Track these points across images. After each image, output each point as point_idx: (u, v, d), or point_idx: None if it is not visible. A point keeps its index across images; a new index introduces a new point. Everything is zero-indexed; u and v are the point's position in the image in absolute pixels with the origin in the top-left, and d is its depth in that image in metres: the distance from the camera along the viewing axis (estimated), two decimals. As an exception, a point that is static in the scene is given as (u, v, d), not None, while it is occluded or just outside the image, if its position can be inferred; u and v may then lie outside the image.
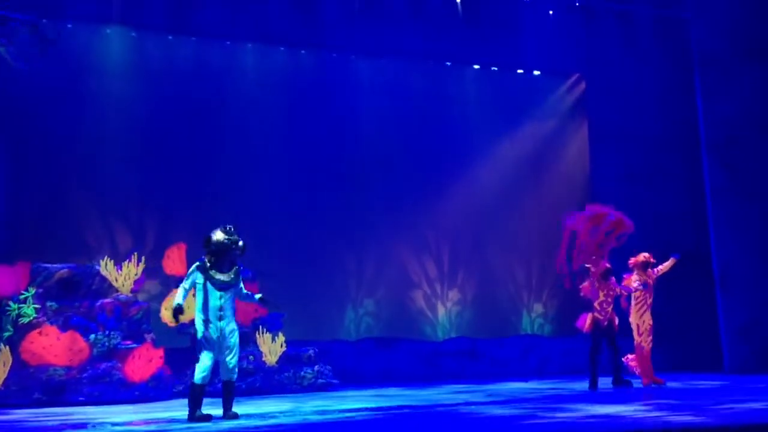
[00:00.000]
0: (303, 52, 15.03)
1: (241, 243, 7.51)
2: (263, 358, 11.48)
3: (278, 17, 13.98)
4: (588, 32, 15.50)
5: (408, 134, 15.50)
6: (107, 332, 10.57)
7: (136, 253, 11.43)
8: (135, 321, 10.96)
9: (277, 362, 11.50)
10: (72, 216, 13.24)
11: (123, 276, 11.10)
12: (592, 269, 10.29)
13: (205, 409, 7.42)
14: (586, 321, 10.43)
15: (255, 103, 14.56)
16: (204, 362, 7.26)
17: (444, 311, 15.47)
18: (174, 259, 11.84)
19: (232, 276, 7.52)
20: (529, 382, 12.34)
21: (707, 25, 14.16)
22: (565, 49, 15.65)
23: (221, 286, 7.42)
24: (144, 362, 10.52)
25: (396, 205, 15.18)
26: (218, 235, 7.45)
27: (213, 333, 7.34)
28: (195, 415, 7.26)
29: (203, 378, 7.26)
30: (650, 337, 10.70)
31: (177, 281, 11.50)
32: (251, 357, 11.23)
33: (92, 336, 10.49)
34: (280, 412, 8.07)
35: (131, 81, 13.76)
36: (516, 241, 15.76)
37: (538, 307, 16.02)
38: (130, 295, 11.11)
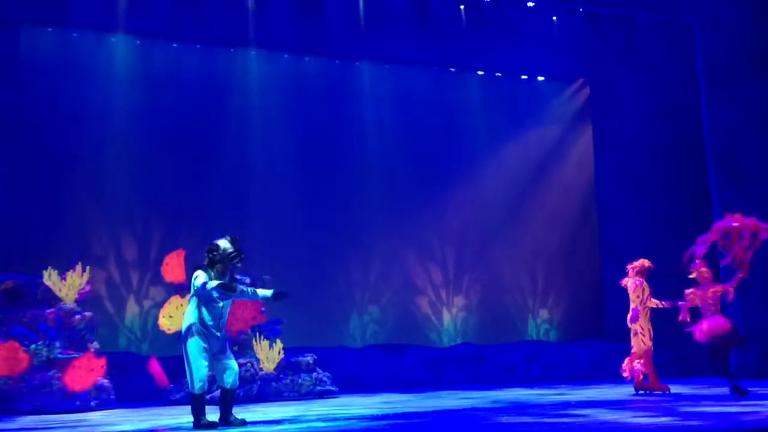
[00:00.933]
0: (307, 59, 15.07)
1: (242, 255, 7.47)
2: (261, 366, 11.38)
3: (282, 24, 14.03)
4: (592, 38, 15.51)
5: (413, 140, 15.54)
6: (48, 342, 10.39)
7: (80, 263, 11.08)
8: (77, 331, 10.73)
9: (275, 369, 11.39)
10: (78, 224, 13.27)
11: (67, 286, 10.88)
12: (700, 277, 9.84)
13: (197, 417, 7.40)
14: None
15: (260, 110, 14.60)
16: (201, 371, 7.22)
17: (449, 317, 15.47)
18: (173, 266, 11.69)
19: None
20: (534, 389, 12.30)
21: (712, 32, 14.16)
22: (570, 54, 15.67)
23: (224, 296, 7.38)
24: (85, 372, 10.31)
25: (401, 211, 15.20)
26: (225, 244, 7.42)
27: (212, 342, 7.30)
28: (201, 423, 7.25)
29: (202, 388, 7.25)
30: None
31: (177, 288, 11.49)
32: (249, 364, 11.15)
33: (32, 346, 10.31)
34: (285, 419, 8.06)
35: (136, 88, 13.81)
36: (521, 247, 15.76)
37: (544, 313, 16.02)
38: (73, 305, 10.88)
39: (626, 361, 10.84)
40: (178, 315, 10.91)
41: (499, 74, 16.19)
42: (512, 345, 15.17)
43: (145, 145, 13.79)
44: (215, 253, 7.37)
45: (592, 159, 16.34)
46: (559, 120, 16.55)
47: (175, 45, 14.19)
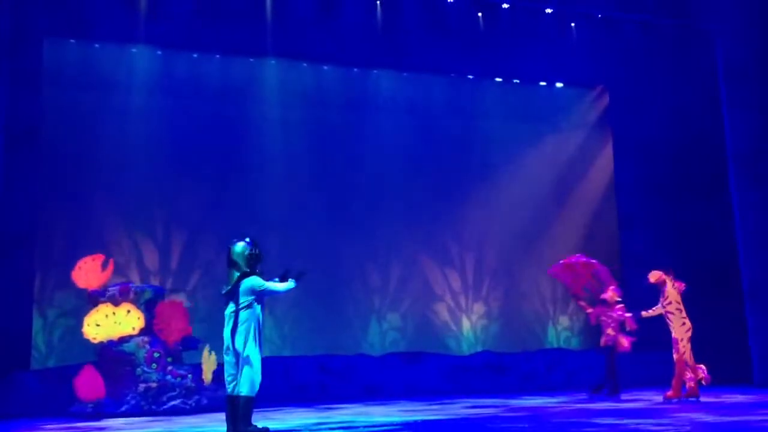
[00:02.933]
0: (326, 67, 15.12)
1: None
2: (203, 376, 11.18)
3: (301, 33, 14.10)
4: (611, 44, 15.42)
5: (432, 147, 15.54)
6: None
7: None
8: None
9: (212, 380, 11.15)
10: (99, 232, 13.40)
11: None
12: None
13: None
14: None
15: (278, 117, 14.66)
16: (260, 375, 7.22)
17: (469, 324, 15.43)
18: (87, 271, 11.19)
19: None
20: (557, 397, 12.24)
21: (733, 36, 14.05)
22: (588, 60, 15.60)
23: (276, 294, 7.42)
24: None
25: (419, 218, 15.20)
26: (256, 248, 7.46)
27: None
28: (258, 428, 7.29)
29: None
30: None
31: (91, 296, 11.13)
32: (190, 375, 10.97)
33: None
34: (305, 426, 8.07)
35: (157, 98, 13.92)
36: (541, 254, 15.67)
37: (564, 320, 15.93)
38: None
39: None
40: (107, 324, 10.78)
41: (518, 81, 16.15)
42: (532, 353, 15.08)
43: (165, 153, 13.90)
44: (256, 258, 7.36)
45: (611, 165, 16.24)
46: (579, 126, 16.48)
47: (195, 55, 14.31)
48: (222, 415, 7.53)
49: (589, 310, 11.67)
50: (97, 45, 13.66)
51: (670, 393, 10.54)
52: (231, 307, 7.28)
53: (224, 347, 7.28)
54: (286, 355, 13.70)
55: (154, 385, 10.66)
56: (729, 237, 14.28)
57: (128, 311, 10.96)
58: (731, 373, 13.93)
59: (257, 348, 7.21)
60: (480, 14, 14.88)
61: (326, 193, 14.74)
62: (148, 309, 11.25)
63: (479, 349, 15.13)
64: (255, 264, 7.36)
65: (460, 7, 14.59)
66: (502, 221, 15.68)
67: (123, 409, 10.47)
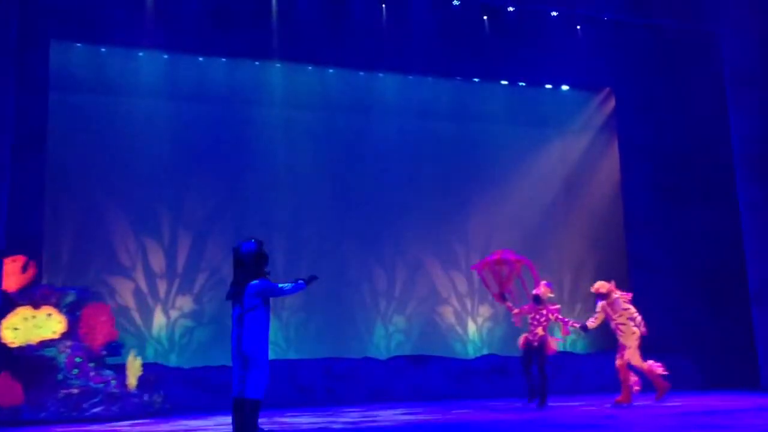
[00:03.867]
0: (331, 70, 15.15)
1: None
2: (126, 382, 10.76)
3: (306, 37, 14.13)
4: (617, 47, 15.42)
5: (437, 150, 15.55)
6: None
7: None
8: None
9: (137, 386, 10.76)
10: (105, 235, 13.46)
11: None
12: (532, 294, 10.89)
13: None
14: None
15: (284, 120, 14.72)
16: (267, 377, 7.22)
17: (475, 327, 15.41)
18: (6, 273, 10.63)
19: None
20: (562, 401, 12.19)
21: (739, 39, 14.03)
22: (594, 63, 15.59)
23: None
24: None
25: (425, 220, 15.21)
26: (262, 248, 7.43)
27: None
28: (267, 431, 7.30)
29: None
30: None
31: (10, 298, 10.80)
32: (113, 381, 10.58)
33: None
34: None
35: (163, 102, 13.99)
36: (547, 256, 15.65)
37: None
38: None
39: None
40: (26, 327, 10.43)
41: (523, 84, 16.15)
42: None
43: (172, 156, 13.96)
44: (259, 254, 7.32)
45: (618, 168, 16.20)
46: (585, 129, 16.46)
47: (201, 58, 14.35)
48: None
49: (516, 311, 10.89)
50: (103, 49, 13.71)
51: (619, 398, 10.35)
52: (238, 310, 7.27)
53: (232, 350, 7.27)
54: (292, 358, 13.70)
55: (75, 391, 10.19)
56: (735, 240, 14.25)
57: (49, 314, 10.55)
58: (737, 376, 13.91)
59: (264, 351, 7.20)
60: (485, 17, 14.89)
61: (332, 196, 14.77)
62: (72, 312, 10.86)
63: (485, 352, 15.11)
64: (262, 264, 7.33)
65: (466, 11, 14.61)
66: (509, 224, 15.66)
67: (42, 416, 9.98)
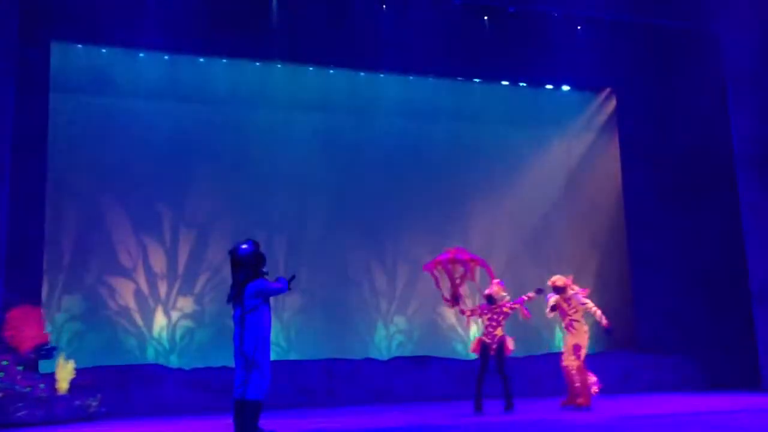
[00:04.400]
0: (332, 71, 15.14)
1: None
2: (56, 386, 10.41)
3: (307, 38, 14.11)
4: (618, 47, 15.40)
5: (438, 151, 15.55)
6: None
7: None
8: None
9: (69, 390, 10.44)
10: (107, 235, 13.46)
11: None
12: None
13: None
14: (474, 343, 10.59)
15: (285, 121, 14.72)
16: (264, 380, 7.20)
17: (476, 328, 15.39)
18: None
19: None
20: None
21: (740, 39, 14.01)
22: (595, 64, 15.56)
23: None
24: None
25: (425, 221, 15.21)
26: (259, 249, 7.42)
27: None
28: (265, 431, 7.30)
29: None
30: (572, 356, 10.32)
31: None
32: (42, 385, 10.19)
33: None
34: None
35: (164, 102, 13.99)
36: (548, 257, 15.66)
37: (571, 324, 15.84)
38: None
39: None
40: None
41: (524, 84, 16.13)
42: (539, 357, 15.02)
43: (172, 157, 13.96)
44: (257, 254, 7.31)
45: (619, 169, 16.17)
46: (585, 130, 16.45)
47: (201, 59, 14.35)
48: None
49: (468, 312, 10.60)
50: (104, 49, 13.71)
51: (580, 400, 10.18)
52: (238, 312, 7.26)
53: (233, 351, 7.26)
54: (292, 359, 13.69)
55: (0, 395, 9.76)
56: (736, 240, 14.24)
57: None
58: (738, 377, 13.90)
59: (266, 352, 7.19)
60: (486, 17, 14.88)
61: (333, 197, 14.77)
62: None
63: (486, 352, 15.07)
64: (260, 264, 7.33)
65: (467, 11, 14.59)
66: (510, 225, 15.65)
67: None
